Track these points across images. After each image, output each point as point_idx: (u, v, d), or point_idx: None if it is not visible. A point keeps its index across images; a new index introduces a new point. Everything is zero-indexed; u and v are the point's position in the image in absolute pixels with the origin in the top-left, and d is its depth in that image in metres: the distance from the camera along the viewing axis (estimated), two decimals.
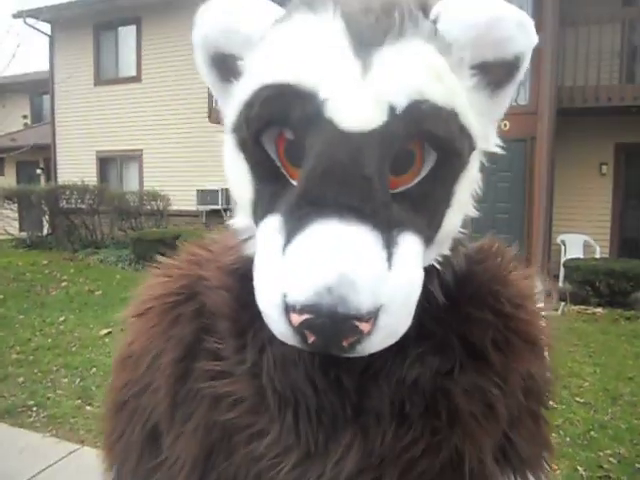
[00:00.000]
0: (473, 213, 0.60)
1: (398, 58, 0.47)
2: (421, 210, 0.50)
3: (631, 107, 7.27)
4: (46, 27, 12.59)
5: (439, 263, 0.57)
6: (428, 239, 0.51)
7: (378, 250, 0.45)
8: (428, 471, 0.55)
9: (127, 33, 11.78)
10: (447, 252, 0.58)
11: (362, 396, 0.56)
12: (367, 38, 0.47)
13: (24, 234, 12.87)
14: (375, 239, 0.45)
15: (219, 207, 10.19)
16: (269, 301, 0.47)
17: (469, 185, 0.55)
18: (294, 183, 0.50)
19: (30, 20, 12.08)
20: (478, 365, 0.58)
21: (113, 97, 11.87)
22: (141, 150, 11.57)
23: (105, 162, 12.40)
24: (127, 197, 11.05)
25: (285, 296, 0.45)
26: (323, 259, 0.44)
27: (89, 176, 12.06)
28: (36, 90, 17.21)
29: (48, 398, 3.76)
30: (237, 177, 0.54)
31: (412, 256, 0.48)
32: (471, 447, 0.56)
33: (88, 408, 3.60)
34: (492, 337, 0.59)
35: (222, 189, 10.04)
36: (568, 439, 3.20)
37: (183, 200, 10.72)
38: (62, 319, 5.94)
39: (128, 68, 11.81)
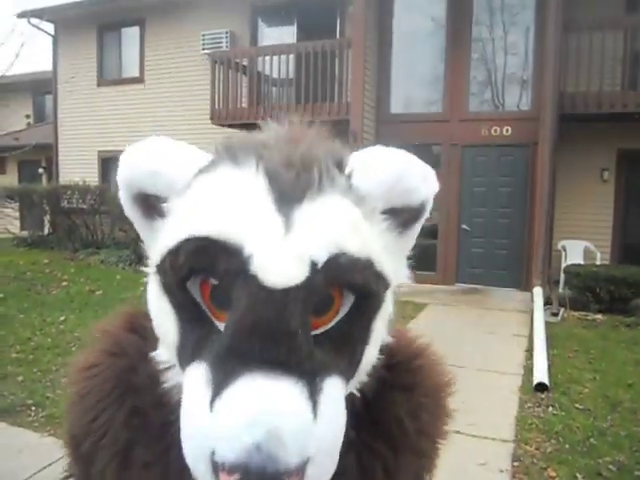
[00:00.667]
0: (388, 340, 0.64)
1: (318, 214, 0.50)
2: (342, 349, 0.52)
3: (634, 114, 7.28)
4: (50, 27, 12.62)
5: (357, 389, 0.61)
6: (349, 377, 0.54)
7: (303, 402, 0.46)
8: None
9: (130, 34, 11.79)
10: (365, 379, 0.61)
11: None
12: (288, 194, 0.50)
13: (25, 233, 12.88)
14: (300, 391, 0.47)
15: None
16: (197, 456, 0.48)
17: (385, 318, 0.59)
18: (220, 327, 0.51)
19: (34, 20, 12.11)
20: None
21: (116, 98, 11.88)
22: None
23: (107, 162, 12.39)
24: None
25: (213, 453, 0.45)
26: (251, 416, 0.44)
27: (91, 176, 12.06)
28: (39, 90, 17.24)
29: (47, 397, 3.76)
30: (161, 316, 0.56)
31: (336, 401, 0.50)
32: None
33: None
34: (381, 465, 0.65)
35: None
36: (567, 446, 3.20)
37: None
38: (62, 319, 5.94)
39: (131, 69, 11.83)
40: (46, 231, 12.86)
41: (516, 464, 3.03)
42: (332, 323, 0.52)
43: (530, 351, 5.03)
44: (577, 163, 8.04)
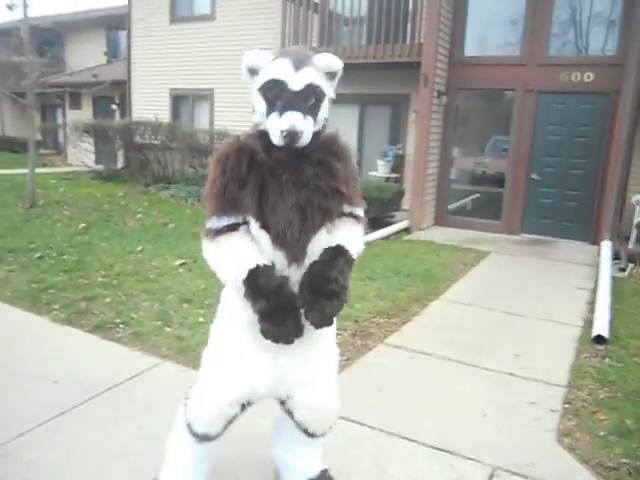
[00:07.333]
0: (327, 115, 1.64)
1: (305, 71, 1.54)
2: (313, 111, 1.56)
3: None
4: None
5: (319, 129, 1.62)
6: (314, 119, 1.57)
7: (302, 118, 1.52)
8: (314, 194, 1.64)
9: None
10: (321, 127, 1.63)
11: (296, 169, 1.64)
12: (297, 66, 1.53)
13: (100, 167, 13.57)
14: (302, 116, 1.52)
15: None
16: (276, 130, 1.53)
17: (325, 107, 1.61)
18: (278, 104, 1.54)
19: None
20: (327, 169, 1.67)
21: (187, 35, 12.03)
22: (212, 89, 11.78)
23: (178, 100, 12.72)
24: (198, 135, 11.38)
25: (281, 129, 1.51)
26: (290, 120, 1.50)
27: (162, 113, 12.46)
28: (112, 26, 17.59)
29: (132, 318, 4.15)
30: (258, 104, 1.60)
31: (310, 120, 1.55)
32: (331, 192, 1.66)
33: (167, 329, 3.96)
34: (332, 153, 1.69)
35: None
36: (620, 394, 3.27)
37: None
38: (140, 248, 6.40)
39: (203, 6, 11.87)
40: (119, 165, 13.49)
41: (567, 406, 3.14)
42: (310, 103, 1.54)
43: (592, 304, 5.01)
44: None
